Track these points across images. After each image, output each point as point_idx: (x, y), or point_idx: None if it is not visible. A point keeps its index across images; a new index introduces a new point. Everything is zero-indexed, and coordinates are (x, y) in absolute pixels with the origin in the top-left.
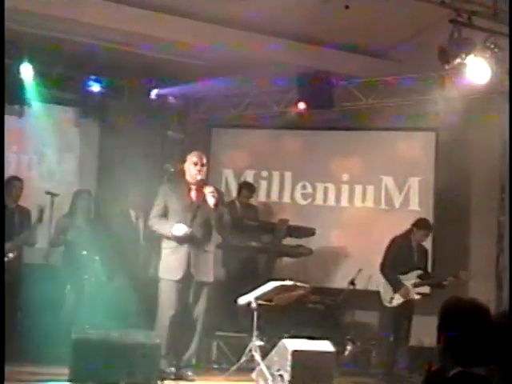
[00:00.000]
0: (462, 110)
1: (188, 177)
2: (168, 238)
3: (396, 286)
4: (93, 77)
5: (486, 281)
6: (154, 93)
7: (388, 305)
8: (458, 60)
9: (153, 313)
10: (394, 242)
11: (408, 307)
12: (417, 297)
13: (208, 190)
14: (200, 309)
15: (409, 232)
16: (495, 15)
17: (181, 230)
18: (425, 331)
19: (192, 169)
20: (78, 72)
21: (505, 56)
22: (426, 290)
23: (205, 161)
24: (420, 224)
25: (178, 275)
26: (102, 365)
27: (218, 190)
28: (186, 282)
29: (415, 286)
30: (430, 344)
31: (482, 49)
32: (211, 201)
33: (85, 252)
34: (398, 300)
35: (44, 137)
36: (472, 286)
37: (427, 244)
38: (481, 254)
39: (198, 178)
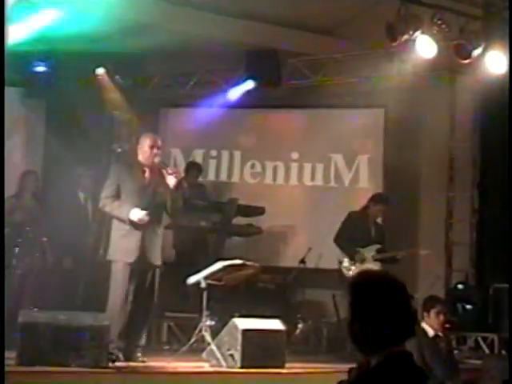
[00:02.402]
0: (410, 87)
1: (142, 159)
2: (122, 220)
3: (351, 254)
4: (38, 56)
5: (435, 257)
6: (99, 72)
7: (348, 274)
8: (405, 36)
9: (101, 295)
10: (350, 215)
11: None
12: (375, 268)
13: (170, 171)
14: (152, 290)
15: (365, 207)
16: None
17: (138, 215)
18: None
19: (148, 152)
20: (22, 52)
21: (452, 32)
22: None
23: (160, 143)
24: (376, 198)
25: (132, 257)
26: (50, 348)
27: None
28: (139, 264)
29: (375, 259)
30: None
31: (430, 25)
32: (172, 181)
33: (45, 238)
34: (357, 269)
35: None
36: (422, 262)
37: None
38: (430, 230)
39: (156, 160)
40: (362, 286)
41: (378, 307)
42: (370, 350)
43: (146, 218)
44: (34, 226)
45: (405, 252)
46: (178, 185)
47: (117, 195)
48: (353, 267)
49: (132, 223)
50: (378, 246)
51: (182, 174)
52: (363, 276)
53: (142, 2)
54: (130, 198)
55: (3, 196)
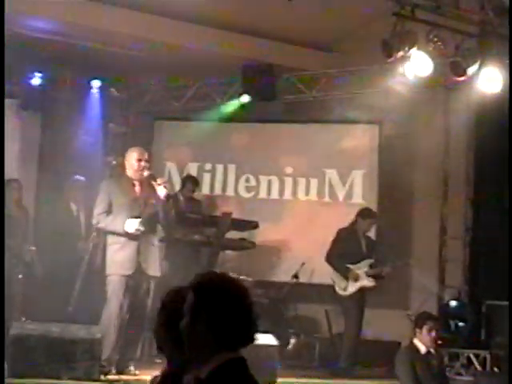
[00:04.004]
0: (406, 103)
1: (130, 173)
2: (117, 234)
3: (344, 273)
4: (34, 69)
5: (428, 273)
6: (95, 85)
7: (343, 293)
8: (401, 53)
9: (94, 306)
10: (339, 233)
11: (361, 298)
12: (370, 284)
13: (160, 182)
14: (147, 303)
15: (354, 223)
16: (438, 8)
17: (133, 225)
18: (368, 324)
19: (135, 165)
20: (19, 64)
21: (447, 49)
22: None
23: (147, 156)
24: (364, 213)
25: (130, 270)
26: (42, 360)
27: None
28: (136, 277)
29: (368, 274)
30: (372, 337)
31: (425, 42)
32: (162, 192)
33: (33, 247)
34: (352, 287)
35: None
36: (414, 279)
37: (371, 236)
38: (424, 247)
39: (145, 173)
40: (202, 289)
41: (217, 311)
42: (206, 354)
43: (142, 228)
44: (18, 236)
45: (391, 266)
46: (169, 195)
47: (109, 210)
48: (349, 287)
49: (127, 235)
50: (371, 261)
51: (178, 188)
52: (204, 279)
53: (137, 15)
54: (121, 211)
55: (3, 196)
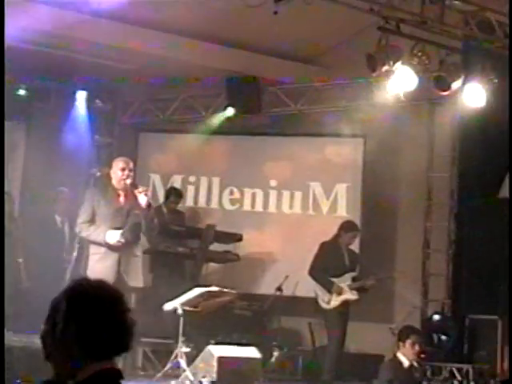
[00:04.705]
0: (390, 117)
1: (115, 182)
2: (99, 244)
3: (327, 286)
4: (19, 79)
5: (412, 287)
6: (80, 96)
7: (326, 306)
8: (385, 67)
9: None
10: (322, 246)
11: (344, 312)
12: (353, 297)
13: (140, 190)
14: None
15: (337, 236)
16: (423, 23)
17: (114, 237)
18: (351, 337)
19: (120, 174)
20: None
21: (432, 64)
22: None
23: (131, 166)
24: (346, 226)
25: (109, 281)
26: (26, 372)
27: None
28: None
29: (351, 288)
30: (355, 350)
31: (409, 56)
32: (144, 200)
33: (21, 260)
34: (335, 301)
35: None
36: (398, 292)
37: (355, 249)
38: (407, 260)
39: (128, 181)
40: (73, 297)
41: (86, 320)
42: (77, 365)
43: (123, 240)
44: (7, 248)
45: (374, 279)
46: (150, 204)
47: (92, 220)
48: (332, 300)
49: (108, 246)
50: (354, 274)
51: (162, 200)
52: (75, 286)
53: (122, 27)
54: (104, 221)
55: (3, 197)
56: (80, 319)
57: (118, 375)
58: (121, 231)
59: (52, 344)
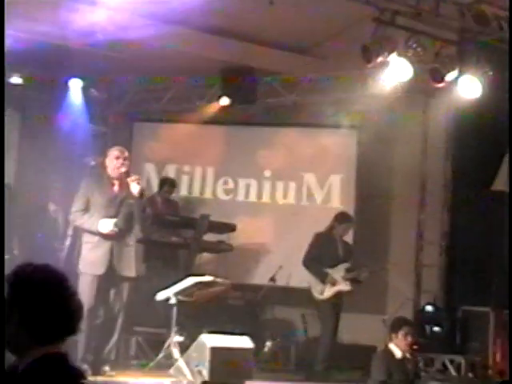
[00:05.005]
0: (384, 109)
1: (110, 171)
2: (92, 233)
3: (321, 277)
4: (13, 68)
5: (405, 278)
6: (75, 85)
7: (320, 297)
8: (380, 58)
9: None
10: (316, 237)
11: (338, 303)
12: (347, 288)
13: (133, 178)
14: (121, 304)
15: (331, 227)
16: (418, 15)
17: (107, 226)
18: (344, 328)
19: (114, 162)
20: None
21: (427, 55)
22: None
23: (127, 154)
24: (340, 218)
25: (101, 270)
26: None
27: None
28: (108, 277)
29: (345, 279)
30: (348, 341)
31: (404, 48)
32: (136, 188)
33: (16, 251)
34: (329, 291)
35: None
36: (390, 284)
37: (348, 240)
38: (400, 252)
39: (122, 170)
40: (16, 282)
41: (29, 305)
42: (23, 349)
43: (116, 229)
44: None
45: (368, 271)
46: (143, 192)
47: (86, 208)
48: (326, 291)
49: (101, 234)
50: (348, 265)
51: (155, 189)
52: (19, 271)
53: (118, 16)
54: (98, 210)
55: (3, 196)
56: (23, 305)
57: (64, 359)
58: (114, 220)
59: (13, 328)
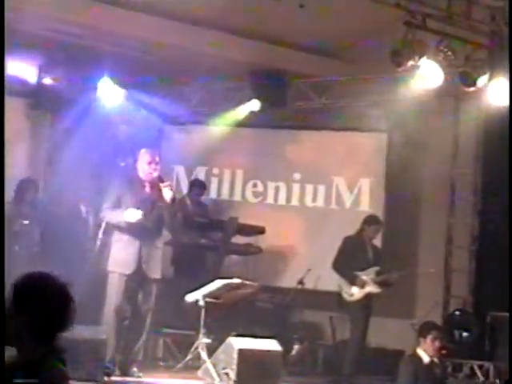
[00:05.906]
0: (414, 112)
1: (141, 174)
2: (120, 227)
3: (351, 279)
4: (45, 69)
5: (434, 283)
6: (106, 85)
7: (350, 298)
8: (411, 62)
9: (98, 307)
10: (346, 240)
11: (368, 305)
12: (377, 290)
13: (166, 184)
14: (148, 305)
15: (360, 230)
16: (449, 18)
17: (133, 215)
18: (372, 332)
19: (146, 167)
20: (30, 64)
21: (457, 59)
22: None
23: (158, 158)
24: (370, 220)
25: (129, 269)
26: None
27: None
28: (136, 277)
29: (375, 281)
30: (376, 345)
31: (435, 51)
32: (168, 194)
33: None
34: (359, 293)
35: None
36: (419, 288)
37: (377, 244)
38: (430, 256)
39: (155, 174)
40: (20, 291)
41: (36, 306)
42: (23, 345)
43: (141, 217)
44: (29, 236)
45: (399, 274)
46: (175, 198)
47: (117, 206)
48: (356, 293)
49: (129, 226)
50: (377, 269)
51: (185, 191)
52: (21, 279)
53: (147, 18)
54: (129, 208)
55: (3, 197)
56: (28, 307)
57: (62, 350)
58: (141, 211)
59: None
